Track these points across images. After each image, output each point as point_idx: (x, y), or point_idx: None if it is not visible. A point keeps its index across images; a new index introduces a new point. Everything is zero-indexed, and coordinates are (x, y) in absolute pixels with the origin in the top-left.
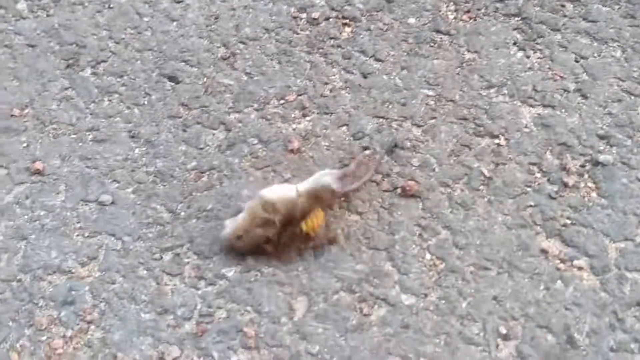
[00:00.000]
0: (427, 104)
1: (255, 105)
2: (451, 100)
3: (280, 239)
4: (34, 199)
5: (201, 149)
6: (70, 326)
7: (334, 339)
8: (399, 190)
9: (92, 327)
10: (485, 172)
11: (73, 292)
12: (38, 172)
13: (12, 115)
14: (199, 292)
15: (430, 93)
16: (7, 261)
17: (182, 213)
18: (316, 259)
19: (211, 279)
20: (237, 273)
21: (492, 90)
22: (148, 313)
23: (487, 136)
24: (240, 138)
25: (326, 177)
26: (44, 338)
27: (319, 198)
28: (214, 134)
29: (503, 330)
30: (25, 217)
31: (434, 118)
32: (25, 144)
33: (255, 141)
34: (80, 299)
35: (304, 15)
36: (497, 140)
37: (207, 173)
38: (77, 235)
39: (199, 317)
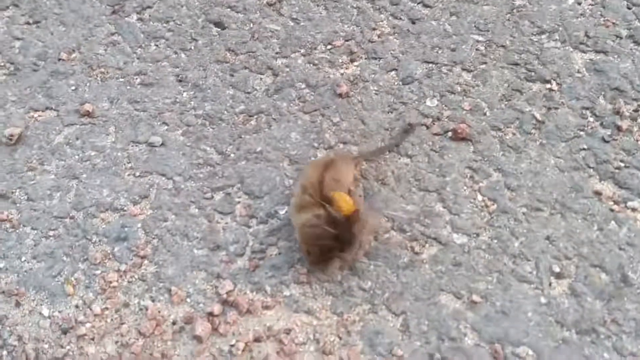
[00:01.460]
0: (477, 50)
1: (302, 51)
2: (502, 46)
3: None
4: (84, 140)
5: (249, 93)
6: (124, 261)
7: (386, 275)
8: (449, 134)
9: (146, 262)
10: (538, 116)
11: (126, 229)
12: (87, 114)
13: (60, 59)
14: (251, 230)
15: (480, 39)
16: (60, 199)
17: (232, 155)
18: (366, 200)
19: (262, 217)
20: (286, 212)
21: (543, 36)
22: (201, 249)
23: (538, 81)
24: (287, 82)
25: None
26: (98, 272)
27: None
28: (261, 79)
29: (556, 269)
30: (76, 157)
31: (485, 63)
32: (73, 87)
33: (303, 86)
34: (133, 236)
35: None
36: (548, 85)
37: (256, 116)
38: (128, 175)
39: (251, 254)
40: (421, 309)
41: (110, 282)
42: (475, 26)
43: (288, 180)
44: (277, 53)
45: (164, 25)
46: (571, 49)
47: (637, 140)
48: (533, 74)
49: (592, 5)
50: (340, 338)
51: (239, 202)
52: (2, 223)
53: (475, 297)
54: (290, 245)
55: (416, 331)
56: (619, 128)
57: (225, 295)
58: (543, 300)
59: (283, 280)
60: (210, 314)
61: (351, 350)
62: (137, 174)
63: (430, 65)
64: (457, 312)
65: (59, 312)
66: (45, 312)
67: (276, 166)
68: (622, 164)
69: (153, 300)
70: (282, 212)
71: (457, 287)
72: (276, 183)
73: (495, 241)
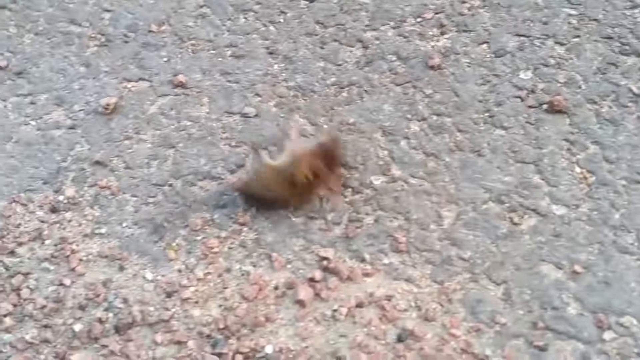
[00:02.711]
0: (569, 23)
1: (392, 24)
2: (594, 20)
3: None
4: (179, 110)
5: (339, 65)
6: (224, 227)
7: (485, 245)
8: (545, 106)
9: (245, 229)
10: (634, 90)
11: (225, 197)
12: (181, 85)
13: (150, 31)
14: (347, 199)
15: (573, 12)
16: (158, 167)
17: (325, 126)
18: (462, 171)
19: (357, 187)
20: (383, 182)
21: (636, 10)
22: (298, 217)
23: (633, 55)
24: (378, 55)
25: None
26: (199, 238)
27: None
28: (351, 51)
29: None
30: (172, 126)
31: (578, 37)
32: (165, 59)
33: (394, 58)
34: (232, 203)
35: None
36: None
37: (347, 88)
38: (224, 145)
39: (349, 222)
40: (522, 279)
41: (212, 247)
42: (566, 0)
43: (382, 151)
44: (366, 26)
45: None
46: None
47: None
48: (627, 47)
49: None
50: (442, 306)
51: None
52: (102, 190)
53: (577, 268)
54: (387, 215)
55: (518, 300)
56: None
57: (325, 262)
58: None
59: (381, 249)
60: (312, 279)
61: (453, 318)
62: (233, 143)
63: (522, 38)
64: (559, 282)
65: (162, 276)
66: (149, 276)
67: (369, 137)
68: None
69: (254, 266)
70: (377, 182)
71: (558, 258)
72: (370, 154)
73: (595, 213)
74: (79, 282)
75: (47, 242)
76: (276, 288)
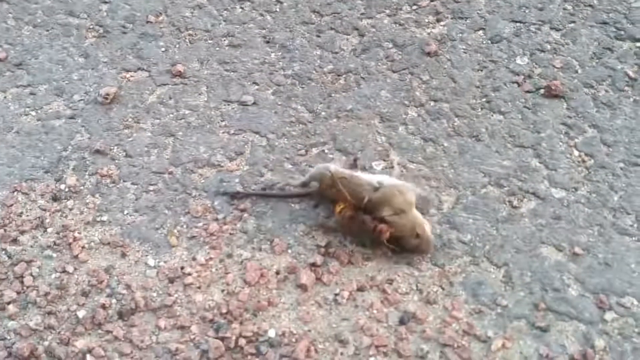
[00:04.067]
0: (564, 9)
1: (388, 11)
2: (589, 5)
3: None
4: (178, 99)
5: (336, 53)
6: (224, 214)
7: (485, 228)
8: (542, 91)
9: (246, 215)
10: (630, 74)
11: (224, 184)
12: (179, 75)
13: (147, 22)
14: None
15: None
16: (158, 155)
17: (323, 113)
18: (461, 155)
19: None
20: (382, 168)
21: None
22: (298, 203)
23: (628, 40)
24: (374, 42)
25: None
26: (200, 224)
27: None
28: (347, 39)
29: None
30: (171, 115)
31: (573, 22)
32: (163, 49)
33: (390, 45)
34: (232, 190)
35: None
36: (639, 44)
37: (344, 75)
38: (223, 133)
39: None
40: (523, 261)
41: (213, 233)
42: None
43: (380, 137)
44: (362, 14)
45: None
46: None
47: None
48: (622, 32)
49: None
50: (443, 288)
51: (332, 159)
52: (102, 178)
53: (577, 249)
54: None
55: (519, 282)
56: None
57: (325, 247)
58: None
59: None
60: (313, 264)
61: (455, 300)
62: (232, 131)
63: (518, 24)
64: (560, 263)
65: (165, 262)
66: (151, 262)
67: (368, 124)
68: None
69: (256, 251)
70: (377, 168)
71: (558, 240)
72: (368, 140)
73: (594, 195)
74: (82, 269)
75: (49, 230)
76: (278, 273)
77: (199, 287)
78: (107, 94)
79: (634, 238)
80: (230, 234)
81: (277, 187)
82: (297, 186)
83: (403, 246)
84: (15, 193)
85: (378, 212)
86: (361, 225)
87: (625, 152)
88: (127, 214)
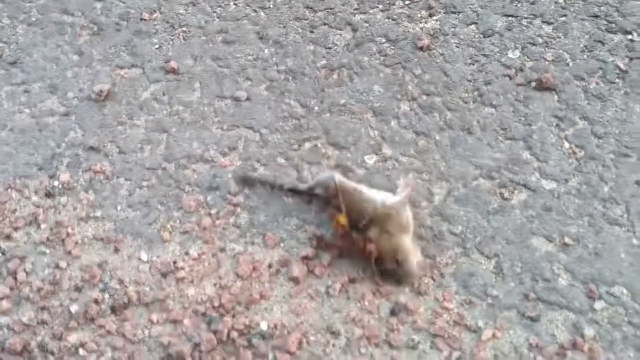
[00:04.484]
0: (556, 2)
1: (381, 7)
2: None
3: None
4: (171, 95)
5: (329, 48)
6: (217, 208)
7: (476, 220)
8: (533, 84)
9: (239, 209)
10: (621, 66)
11: (217, 179)
12: (173, 71)
13: (142, 19)
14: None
15: None
16: (151, 151)
17: (316, 108)
18: (452, 148)
19: (349, 167)
20: (375, 162)
21: None
22: (291, 197)
23: (619, 32)
24: (367, 37)
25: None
26: (193, 219)
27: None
28: (340, 34)
29: None
30: (164, 111)
31: (565, 16)
32: (157, 45)
33: (383, 40)
34: (225, 185)
35: None
36: (630, 36)
37: (337, 70)
38: (216, 128)
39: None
40: (514, 252)
41: (206, 228)
42: None
43: (373, 131)
44: (355, 9)
45: None
46: None
47: None
48: (614, 25)
49: None
50: (434, 280)
51: (325, 153)
52: (96, 175)
53: (567, 240)
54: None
55: (510, 273)
56: None
57: (317, 241)
58: (635, 242)
59: None
60: (305, 257)
61: (446, 291)
62: (225, 127)
63: (510, 18)
64: (550, 254)
65: (157, 257)
66: (144, 257)
67: (360, 118)
68: None
69: (248, 245)
70: (370, 162)
71: (548, 231)
72: (361, 134)
73: (585, 186)
74: (75, 264)
75: (42, 226)
76: (270, 266)
77: (192, 281)
78: (101, 91)
79: (623, 228)
80: (223, 228)
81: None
82: (304, 189)
83: (382, 267)
84: (9, 190)
85: (368, 231)
86: (352, 244)
87: (615, 144)
88: (121, 209)
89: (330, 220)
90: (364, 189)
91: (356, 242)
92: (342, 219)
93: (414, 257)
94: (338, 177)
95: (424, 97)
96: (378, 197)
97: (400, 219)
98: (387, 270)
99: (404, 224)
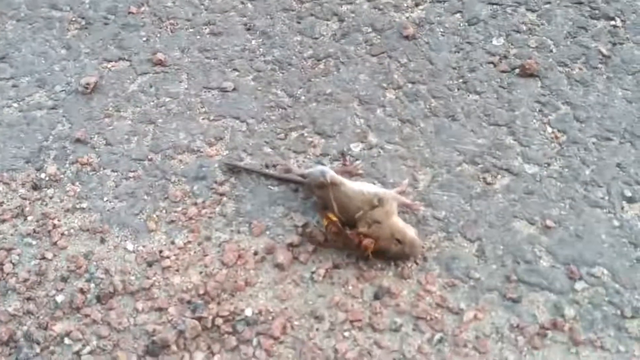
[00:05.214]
0: None
1: None
2: None
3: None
4: (158, 87)
5: (316, 38)
6: (203, 198)
7: (460, 205)
8: (517, 70)
9: (225, 198)
10: (604, 51)
11: (204, 169)
12: (160, 63)
13: (129, 13)
14: (326, 166)
15: None
16: (138, 142)
17: (303, 97)
18: (437, 135)
19: (335, 155)
20: (361, 150)
21: None
22: (277, 186)
23: (602, 18)
24: (354, 27)
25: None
26: (179, 209)
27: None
28: (327, 24)
29: (628, 194)
30: (151, 103)
31: (549, 3)
32: (145, 38)
33: (369, 30)
34: (211, 175)
35: None
36: (613, 22)
37: (324, 60)
38: (203, 119)
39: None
40: (496, 235)
41: (192, 217)
42: None
43: (358, 119)
44: (342, 0)
45: None
46: None
47: None
48: (597, 11)
49: None
50: (417, 264)
51: (311, 142)
52: (83, 167)
53: (548, 222)
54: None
55: (492, 255)
56: None
57: (303, 227)
58: (616, 223)
59: None
60: (290, 244)
61: (429, 275)
62: (212, 117)
63: (495, 6)
64: (532, 236)
65: (143, 246)
66: (130, 247)
67: (346, 107)
68: None
69: (234, 233)
70: (356, 150)
71: (530, 214)
72: (347, 122)
73: (567, 170)
74: (61, 255)
75: (29, 218)
76: (256, 253)
77: (177, 270)
78: (88, 84)
79: (604, 210)
80: (209, 217)
81: (277, 167)
82: (297, 174)
83: (389, 256)
84: None
85: (360, 225)
86: (346, 241)
87: (597, 127)
88: (107, 200)
89: (321, 218)
90: (354, 185)
91: (350, 239)
92: (334, 217)
93: (410, 230)
94: (330, 173)
95: (410, 86)
96: (372, 191)
97: (385, 208)
98: (395, 253)
99: (391, 210)
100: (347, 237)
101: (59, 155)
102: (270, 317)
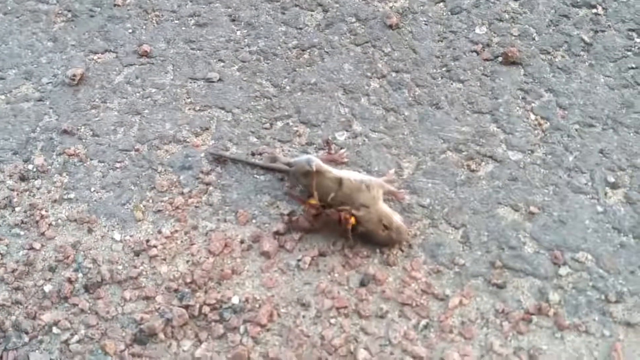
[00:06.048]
0: None
1: None
2: None
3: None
4: (144, 78)
5: (300, 28)
6: (190, 187)
7: (444, 192)
8: (500, 58)
9: (211, 188)
10: (586, 39)
11: (190, 159)
12: (145, 55)
13: (115, 5)
14: (311, 155)
15: None
16: (124, 133)
17: (287, 87)
18: (421, 123)
19: (320, 144)
20: (346, 138)
21: None
22: (263, 175)
23: (584, 7)
24: (338, 17)
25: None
26: (165, 198)
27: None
28: (312, 15)
29: (611, 179)
30: (137, 94)
31: None
32: (130, 30)
33: (353, 19)
34: (197, 164)
35: None
36: (594, 10)
37: (308, 50)
38: (189, 109)
39: None
40: (480, 222)
41: (178, 207)
42: None
43: (343, 108)
44: None
45: None
46: None
47: None
48: (579, 0)
49: None
50: (402, 251)
51: (297, 131)
52: (70, 158)
53: (532, 209)
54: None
55: (476, 242)
56: None
57: (289, 216)
58: (599, 208)
59: None
60: (277, 232)
61: (414, 261)
62: (197, 108)
63: None
64: (516, 223)
65: (130, 236)
66: (117, 236)
67: (331, 96)
68: None
69: (220, 222)
70: (341, 139)
71: (514, 200)
72: (332, 112)
73: (550, 156)
74: (49, 245)
75: (17, 209)
76: (242, 242)
77: (164, 259)
78: (74, 75)
79: (588, 196)
80: (196, 206)
81: (263, 155)
82: (283, 163)
83: (375, 241)
84: None
85: (341, 204)
86: (326, 219)
87: (580, 114)
88: (94, 191)
89: (299, 203)
90: (338, 172)
91: (330, 217)
92: (313, 201)
93: (396, 216)
94: (316, 162)
95: (394, 74)
96: (351, 176)
97: (371, 193)
98: (383, 239)
99: (377, 196)
100: (327, 215)
101: (46, 147)
102: (257, 305)
